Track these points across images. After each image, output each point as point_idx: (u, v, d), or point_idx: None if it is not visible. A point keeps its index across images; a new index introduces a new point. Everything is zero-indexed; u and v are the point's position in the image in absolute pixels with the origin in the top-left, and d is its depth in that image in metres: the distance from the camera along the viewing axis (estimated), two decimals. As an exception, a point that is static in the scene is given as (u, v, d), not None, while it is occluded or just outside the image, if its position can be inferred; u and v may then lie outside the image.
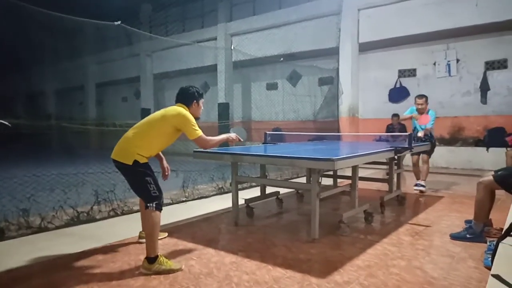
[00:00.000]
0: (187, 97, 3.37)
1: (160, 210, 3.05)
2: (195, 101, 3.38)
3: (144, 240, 3.31)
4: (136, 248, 3.51)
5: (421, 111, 6.36)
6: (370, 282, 2.72)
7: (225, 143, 3.71)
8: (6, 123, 4.49)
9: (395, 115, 9.52)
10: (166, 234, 3.86)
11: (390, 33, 10.15)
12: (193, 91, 3.39)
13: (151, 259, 2.92)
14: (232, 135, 3.59)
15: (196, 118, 3.37)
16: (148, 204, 3.00)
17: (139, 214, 3.60)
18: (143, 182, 3.04)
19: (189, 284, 2.70)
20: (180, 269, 2.97)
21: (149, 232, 2.99)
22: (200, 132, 3.22)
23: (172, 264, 2.98)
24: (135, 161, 3.03)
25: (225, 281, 2.74)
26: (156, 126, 3.18)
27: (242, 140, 3.69)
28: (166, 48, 14.55)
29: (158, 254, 2.96)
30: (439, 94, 10.29)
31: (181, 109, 3.23)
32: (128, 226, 4.12)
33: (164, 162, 3.70)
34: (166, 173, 3.74)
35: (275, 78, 13.43)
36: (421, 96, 6.39)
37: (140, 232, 3.63)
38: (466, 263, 3.08)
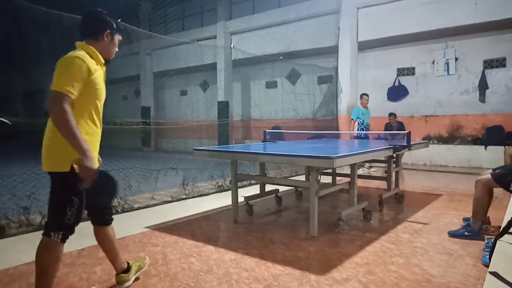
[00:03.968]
0: (91, 26, 2.32)
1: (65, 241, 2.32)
2: (107, 31, 2.34)
3: (127, 284, 2.64)
4: (135, 245, 3.53)
5: (365, 105, 8.80)
6: (368, 279, 2.74)
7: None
8: (6, 121, 4.50)
9: (392, 114, 9.54)
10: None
11: (389, 31, 10.16)
12: (103, 16, 2.34)
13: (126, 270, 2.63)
14: (89, 160, 2.01)
15: (107, 61, 2.44)
16: (52, 233, 2.22)
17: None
18: (66, 199, 2.21)
19: (189, 281, 2.72)
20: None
21: (45, 271, 2.22)
22: (66, 90, 2.00)
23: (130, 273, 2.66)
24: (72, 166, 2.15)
25: (225, 278, 2.77)
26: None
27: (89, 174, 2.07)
28: (165, 47, 14.55)
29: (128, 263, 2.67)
30: (437, 92, 10.32)
31: (68, 54, 2.14)
32: (128, 224, 4.14)
33: None
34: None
35: (275, 77, 13.44)
36: (367, 94, 8.91)
37: (116, 276, 2.65)
38: (464, 260, 3.10)
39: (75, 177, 2.08)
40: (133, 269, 2.72)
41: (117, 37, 2.45)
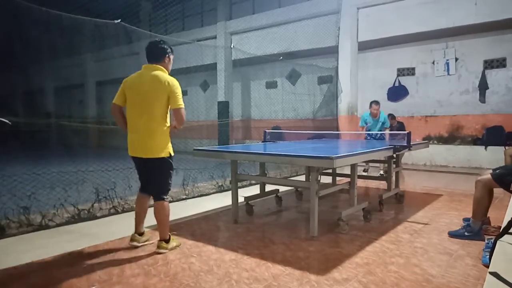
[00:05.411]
0: (158, 52, 3.34)
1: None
2: (167, 56, 3.36)
3: (136, 244, 3.47)
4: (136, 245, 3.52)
5: (375, 115, 7.69)
6: (368, 279, 2.74)
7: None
8: (7, 121, 4.50)
9: (389, 115, 9.50)
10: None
11: (389, 31, 10.15)
12: (164, 45, 3.36)
13: (167, 240, 3.36)
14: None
15: None
16: (163, 196, 3.32)
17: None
18: (167, 175, 3.34)
19: (189, 281, 2.72)
20: (179, 245, 3.50)
21: (165, 220, 3.34)
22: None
23: (177, 240, 3.50)
24: (169, 153, 3.30)
25: (225, 278, 2.77)
26: (160, 102, 3.21)
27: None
28: (165, 47, 14.52)
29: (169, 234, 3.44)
30: (437, 92, 10.32)
31: (170, 77, 3.25)
32: (129, 224, 4.12)
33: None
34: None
35: (275, 77, 13.44)
36: (377, 102, 7.74)
37: (133, 235, 3.52)
38: (464, 260, 3.11)
39: (170, 158, 3.31)
40: (145, 237, 3.54)
41: (172, 57, 3.43)
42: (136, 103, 3.28)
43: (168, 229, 3.38)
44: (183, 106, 3.23)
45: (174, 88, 3.20)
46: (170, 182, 3.36)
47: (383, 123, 7.74)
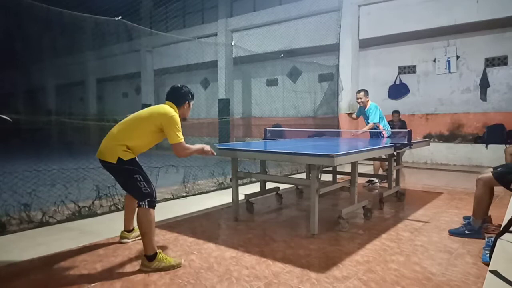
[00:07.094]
0: (179, 97, 3.25)
1: (154, 207, 2.98)
2: (187, 102, 3.29)
3: (126, 241, 3.55)
4: (137, 242, 3.52)
5: (362, 105, 6.40)
6: (369, 277, 2.74)
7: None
8: (7, 118, 4.50)
9: (396, 112, 9.53)
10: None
11: (390, 29, 10.13)
12: (187, 91, 3.29)
13: (150, 257, 2.87)
14: (207, 146, 3.32)
15: (183, 119, 3.28)
16: (140, 203, 2.94)
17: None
18: (132, 180, 2.97)
19: (190, 279, 2.73)
20: (180, 265, 2.94)
21: (144, 231, 2.90)
22: (182, 139, 3.05)
23: (171, 260, 2.94)
24: (119, 159, 2.94)
25: (225, 276, 2.77)
26: (142, 124, 3.06)
27: (215, 154, 3.49)
28: (166, 44, 14.54)
29: (157, 251, 2.92)
30: (438, 91, 10.30)
31: (170, 109, 3.08)
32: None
33: None
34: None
35: (275, 74, 13.43)
36: (360, 91, 6.44)
37: (122, 232, 3.57)
38: (464, 259, 3.11)
39: (128, 163, 2.98)
40: (135, 233, 3.56)
41: (192, 103, 3.38)
42: (126, 118, 3.20)
43: (153, 243, 2.91)
44: (181, 139, 3.03)
45: (169, 121, 3.00)
46: (141, 186, 2.95)
47: (367, 116, 6.38)
